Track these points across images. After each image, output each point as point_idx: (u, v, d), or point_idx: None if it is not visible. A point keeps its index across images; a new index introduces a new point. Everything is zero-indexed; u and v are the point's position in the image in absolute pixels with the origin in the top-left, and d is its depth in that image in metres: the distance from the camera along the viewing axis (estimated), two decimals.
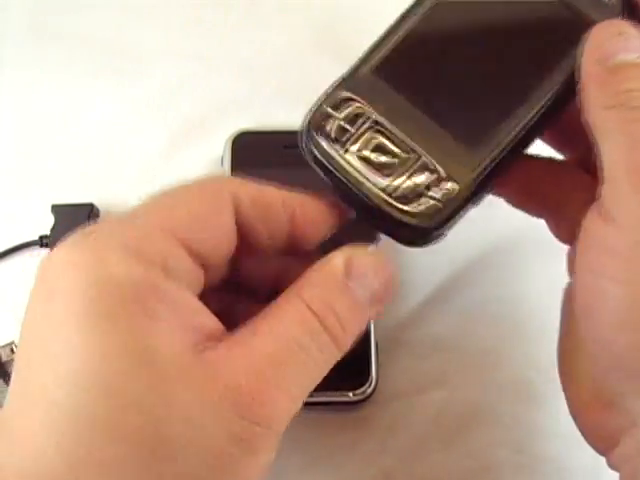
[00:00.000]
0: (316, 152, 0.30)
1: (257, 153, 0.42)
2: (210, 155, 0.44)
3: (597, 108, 0.29)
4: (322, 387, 0.38)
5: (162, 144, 0.44)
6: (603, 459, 0.31)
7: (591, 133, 0.29)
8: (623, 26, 0.29)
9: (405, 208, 0.29)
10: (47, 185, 0.44)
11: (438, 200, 0.29)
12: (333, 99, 0.30)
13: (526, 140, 0.31)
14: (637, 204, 0.28)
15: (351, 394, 0.38)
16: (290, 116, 0.42)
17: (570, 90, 0.30)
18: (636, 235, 0.28)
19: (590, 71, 0.29)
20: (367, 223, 0.31)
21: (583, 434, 0.32)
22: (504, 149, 0.30)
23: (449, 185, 0.29)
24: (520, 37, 0.31)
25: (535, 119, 0.30)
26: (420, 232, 0.30)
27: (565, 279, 0.33)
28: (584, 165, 0.33)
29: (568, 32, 0.30)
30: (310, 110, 0.30)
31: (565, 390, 0.33)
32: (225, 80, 0.46)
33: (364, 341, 0.39)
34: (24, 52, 0.46)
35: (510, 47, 0.31)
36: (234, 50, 0.46)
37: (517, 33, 0.31)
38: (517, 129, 0.30)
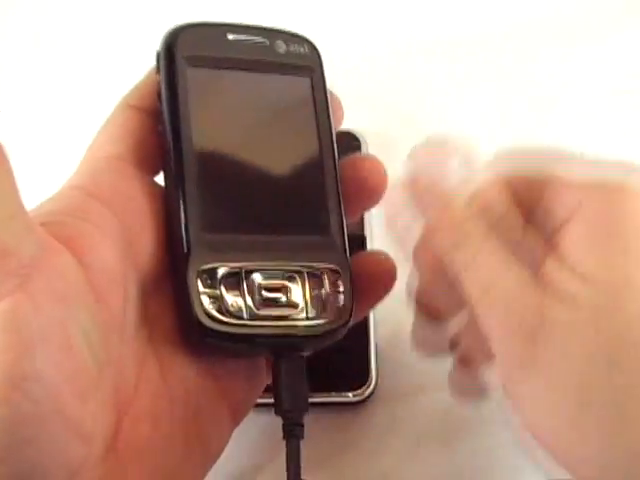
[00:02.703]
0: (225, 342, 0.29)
1: None
2: None
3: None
4: (322, 387, 0.38)
5: None
6: None
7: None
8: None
9: (323, 321, 0.30)
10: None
11: (339, 292, 0.30)
12: (203, 282, 0.28)
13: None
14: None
15: (351, 394, 0.38)
16: None
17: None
18: None
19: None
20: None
21: None
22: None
23: (335, 273, 0.30)
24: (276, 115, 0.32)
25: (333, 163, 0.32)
26: (342, 328, 0.30)
27: None
28: None
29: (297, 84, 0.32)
30: (195, 306, 0.28)
31: None
32: None
33: (364, 341, 0.39)
34: None
35: (274, 127, 0.32)
36: None
37: (270, 112, 0.32)
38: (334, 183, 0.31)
